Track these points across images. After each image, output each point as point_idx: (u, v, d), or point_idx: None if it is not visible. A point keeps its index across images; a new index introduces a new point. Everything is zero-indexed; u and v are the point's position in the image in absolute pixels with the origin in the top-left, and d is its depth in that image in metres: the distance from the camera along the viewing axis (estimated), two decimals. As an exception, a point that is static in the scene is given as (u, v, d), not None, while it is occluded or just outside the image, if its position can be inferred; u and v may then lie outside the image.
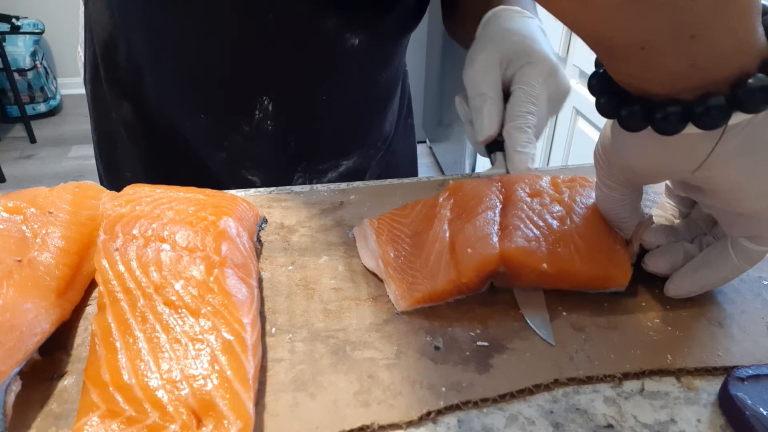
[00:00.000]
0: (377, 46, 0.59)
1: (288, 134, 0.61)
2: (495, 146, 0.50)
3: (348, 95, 0.61)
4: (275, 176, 0.65)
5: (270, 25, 0.52)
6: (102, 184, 0.70)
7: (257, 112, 0.58)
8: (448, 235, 0.41)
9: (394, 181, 0.55)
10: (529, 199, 0.44)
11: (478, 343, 0.36)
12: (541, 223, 0.41)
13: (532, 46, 0.49)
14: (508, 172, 0.48)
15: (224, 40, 0.54)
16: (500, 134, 0.49)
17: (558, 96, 0.50)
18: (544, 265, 0.38)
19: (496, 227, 0.40)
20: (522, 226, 0.40)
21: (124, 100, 0.62)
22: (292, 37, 0.54)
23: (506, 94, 0.50)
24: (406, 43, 0.67)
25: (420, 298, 0.38)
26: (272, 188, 0.53)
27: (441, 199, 0.45)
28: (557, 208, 0.43)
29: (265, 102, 0.58)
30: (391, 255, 0.42)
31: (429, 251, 0.41)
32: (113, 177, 0.68)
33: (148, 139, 0.63)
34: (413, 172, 0.84)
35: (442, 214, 0.43)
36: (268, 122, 0.59)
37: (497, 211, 0.42)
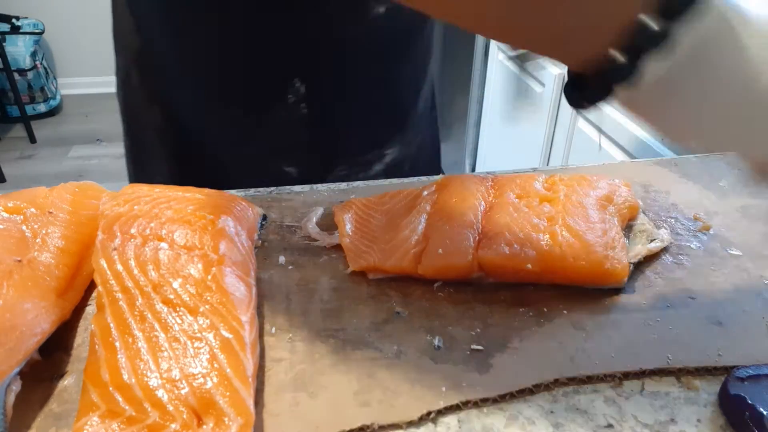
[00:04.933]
0: (403, 14, 0.58)
1: (323, 116, 0.61)
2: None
3: (378, 69, 0.61)
4: (313, 166, 0.64)
5: None
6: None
7: (290, 96, 0.58)
8: (422, 227, 0.42)
9: (395, 180, 0.55)
10: (516, 201, 0.44)
11: (478, 345, 0.36)
12: (527, 225, 0.41)
13: None
14: None
15: (249, 21, 0.53)
16: None
17: None
18: (529, 266, 0.38)
19: (473, 233, 0.41)
20: (503, 231, 0.41)
21: (155, 104, 0.62)
22: (317, 8, 0.53)
23: None
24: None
25: (365, 266, 0.40)
26: (272, 188, 0.53)
27: (425, 192, 0.45)
28: (548, 207, 0.43)
29: (297, 84, 0.58)
30: (349, 229, 0.44)
31: (395, 234, 0.42)
32: (144, 181, 0.69)
33: (181, 142, 0.64)
34: (438, 168, 0.83)
35: (422, 206, 0.44)
36: (302, 105, 0.59)
37: (479, 213, 0.42)
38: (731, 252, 0.45)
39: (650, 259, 0.43)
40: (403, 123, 0.67)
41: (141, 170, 0.68)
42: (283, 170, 0.64)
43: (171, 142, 0.64)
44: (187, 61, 0.58)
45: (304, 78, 0.57)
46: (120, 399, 0.29)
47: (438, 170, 0.82)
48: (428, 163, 0.79)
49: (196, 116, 0.62)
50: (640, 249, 0.43)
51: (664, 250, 0.44)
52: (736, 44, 0.28)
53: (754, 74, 0.28)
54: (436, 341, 0.36)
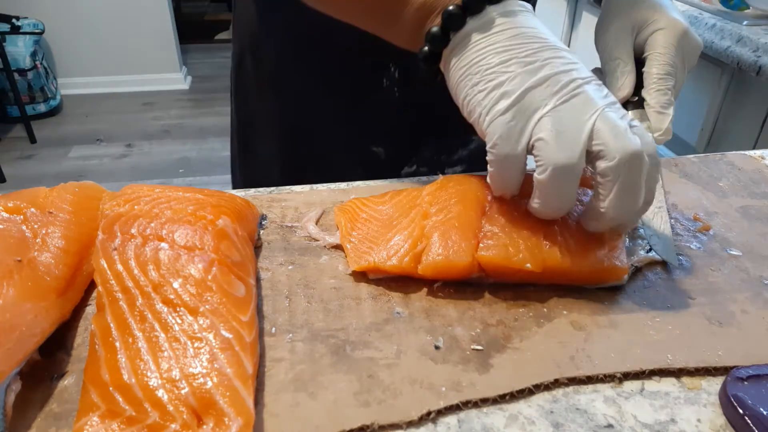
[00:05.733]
0: None
1: (414, 100, 0.64)
2: (628, 106, 0.54)
3: None
4: (401, 148, 0.67)
5: None
6: (233, 164, 0.78)
7: (385, 80, 0.62)
8: (422, 227, 0.41)
9: (394, 181, 0.55)
10: (516, 200, 0.44)
11: (478, 345, 0.36)
12: (527, 224, 0.41)
13: (662, 13, 0.53)
14: (648, 127, 0.52)
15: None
16: (633, 95, 0.54)
17: (692, 53, 0.54)
18: (528, 265, 0.38)
19: (473, 233, 0.40)
20: (503, 231, 0.40)
21: (266, 87, 0.68)
22: None
23: (638, 60, 0.54)
24: None
25: (365, 266, 0.40)
26: (272, 188, 0.53)
27: (425, 192, 0.45)
28: None
29: (392, 69, 0.62)
30: (349, 229, 0.44)
31: (395, 234, 0.42)
32: (248, 157, 0.75)
33: (286, 122, 0.69)
34: None
35: (422, 206, 0.43)
36: (395, 89, 0.63)
37: (479, 213, 0.42)
38: (731, 252, 0.45)
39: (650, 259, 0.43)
40: None
41: (247, 147, 0.74)
42: (371, 150, 0.67)
43: (277, 122, 0.69)
44: (298, 47, 0.63)
45: (398, 63, 0.62)
46: (120, 399, 0.29)
47: None
48: None
49: (301, 99, 0.67)
50: (643, 258, 0.42)
51: (664, 250, 0.44)
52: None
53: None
54: (436, 341, 0.36)
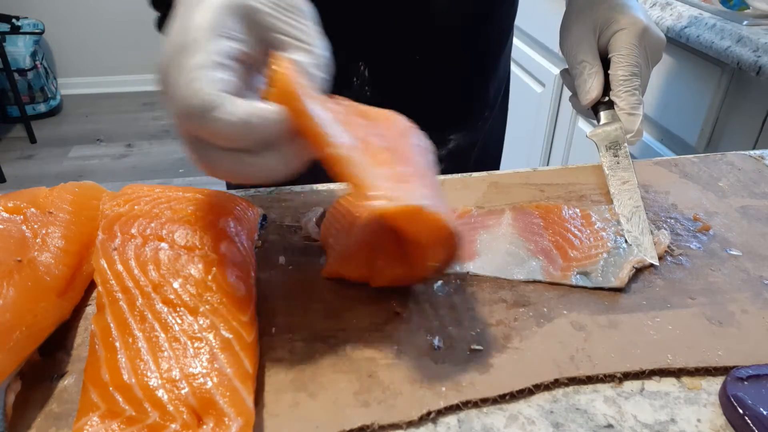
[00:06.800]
0: None
1: (386, 99, 0.62)
2: (600, 107, 0.54)
3: (445, 52, 0.61)
4: None
5: None
6: None
7: (355, 79, 0.61)
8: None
9: (394, 180, 0.55)
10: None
11: (478, 345, 0.36)
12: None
13: (622, 12, 0.53)
14: (621, 128, 0.53)
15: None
16: (603, 96, 0.54)
17: (655, 50, 0.54)
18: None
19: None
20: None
21: None
22: None
23: (604, 59, 0.54)
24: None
25: (331, 272, 0.41)
26: (272, 188, 0.53)
27: None
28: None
29: (362, 68, 0.60)
30: (325, 229, 0.45)
31: (353, 237, 0.42)
32: None
33: None
34: (498, 162, 0.82)
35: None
36: (366, 89, 0.61)
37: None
38: (731, 252, 0.45)
39: (650, 259, 0.43)
40: (469, 108, 0.68)
41: None
42: None
43: None
44: None
45: (368, 62, 0.60)
46: (120, 399, 0.29)
47: (498, 164, 0.82)
48: (494, 153, 0.80)
49: None
50: (638, 259, 0.42)
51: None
52: None
53: None
54: (436, 341, 0.36)
